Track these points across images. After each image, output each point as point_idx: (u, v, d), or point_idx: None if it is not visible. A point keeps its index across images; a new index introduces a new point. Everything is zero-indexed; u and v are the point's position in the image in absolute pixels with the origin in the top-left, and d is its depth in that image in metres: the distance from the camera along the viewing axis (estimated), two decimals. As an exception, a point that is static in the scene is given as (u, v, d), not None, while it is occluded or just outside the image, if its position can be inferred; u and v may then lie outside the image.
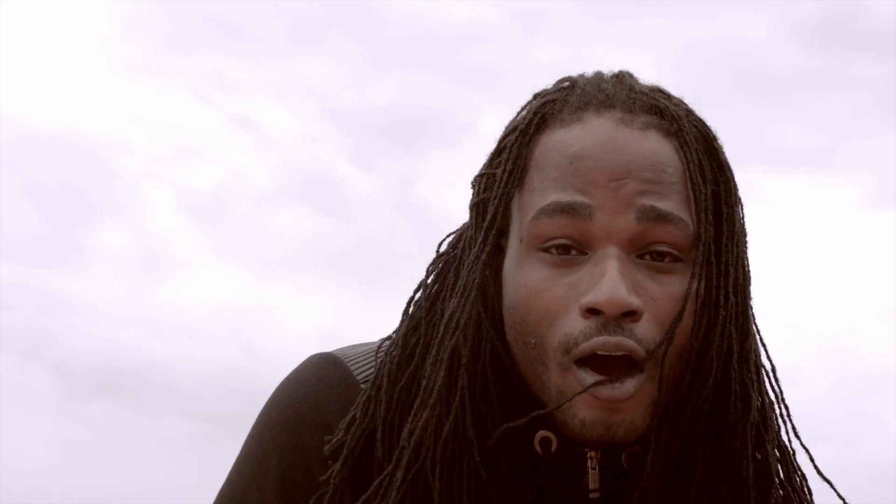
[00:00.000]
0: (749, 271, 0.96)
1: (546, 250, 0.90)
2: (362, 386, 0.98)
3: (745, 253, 0.96)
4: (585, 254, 0.90)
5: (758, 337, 0.98)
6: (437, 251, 1.01)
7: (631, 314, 0.88)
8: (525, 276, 0.91)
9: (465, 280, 0.93)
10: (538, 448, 0.91)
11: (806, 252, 5.71)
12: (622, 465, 0.93)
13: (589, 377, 0.88)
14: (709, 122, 0.98)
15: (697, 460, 0.92)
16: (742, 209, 0.96)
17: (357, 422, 0.95)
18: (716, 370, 0.91)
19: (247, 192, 5.94)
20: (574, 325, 0.88)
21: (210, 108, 5.85)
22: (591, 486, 0.92)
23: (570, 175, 0.90)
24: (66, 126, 5.52)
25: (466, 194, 1.00)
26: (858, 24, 5.55)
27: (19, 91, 5.40)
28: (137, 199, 5.84)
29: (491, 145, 1.00)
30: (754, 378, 0.93)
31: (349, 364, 1.01)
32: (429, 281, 1.00)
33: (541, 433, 0.92)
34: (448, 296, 0.95)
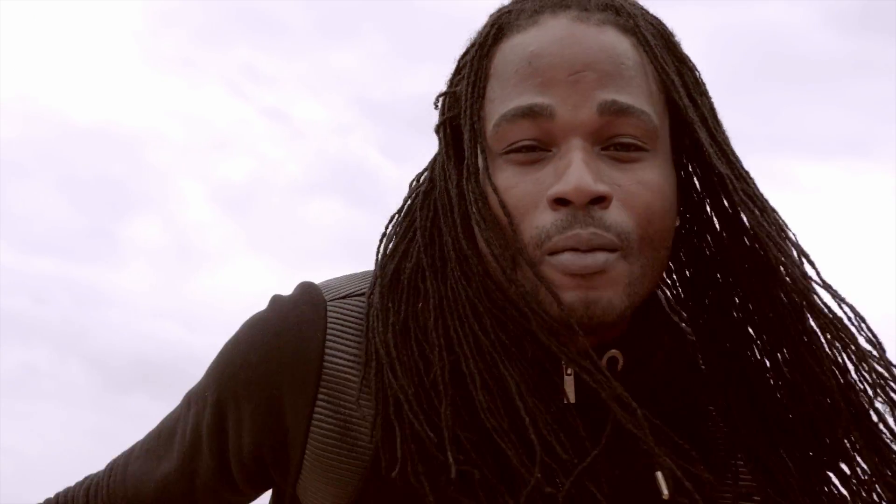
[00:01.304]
0: (738, 158, 0.95)
1: (511, 153, 0.91)
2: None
3: (728, 139, 0.95)
4: (550, 150, 0.90)
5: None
6: (409, 185, 1.01)
7: (599, 200, 0.87)
8: (494, 181, 0.90)
9: (447, 201, 0.94)
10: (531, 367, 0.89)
11: (844, 240, 5.64)
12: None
13: (558, 257, 0.87)
14: (665, 22, 0.98)
15: (670, 364, 0.92)
16: (710, 99, 0.96)
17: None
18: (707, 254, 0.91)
19: (279, 183, 5.95)
20: (544, 218, 0.88)
21: (243, 101, 5.86)
22: (570, 398, 0.90)
23: (529, 76, 0.90)
24: (100, 120, 5.54)
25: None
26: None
27: (55, 86, 5.43)
28: (171, 192, 5.86)
29: None
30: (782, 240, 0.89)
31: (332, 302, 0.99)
32: (402, 213, 1.00)
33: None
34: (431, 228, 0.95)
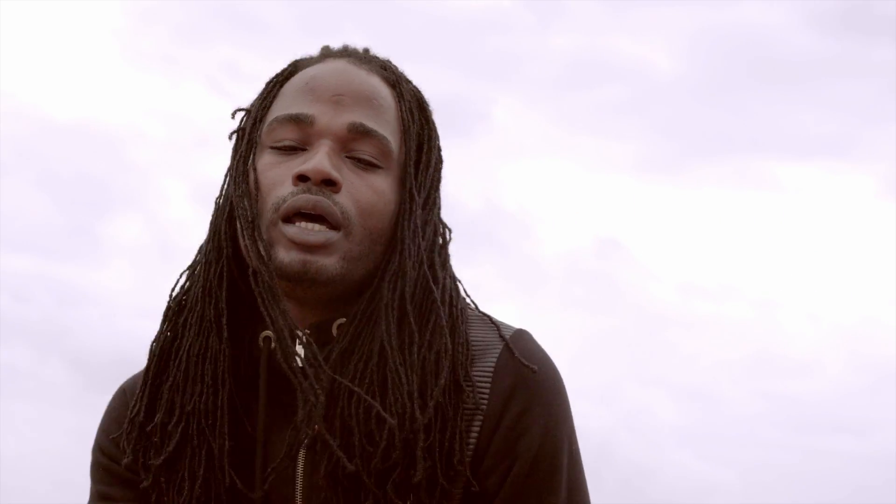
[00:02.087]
0: (439, 194, 1.21)
1: (275, 148, 1.15)
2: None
3: (438, 178, 1.20)
4: (305, 149, 1.14)
5: (441, 235, 1.21)
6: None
7: (331, 184, 1.10)
8: (257, 164, 1.15)
9: (219, 201, 1.22)
10: (261, 343, 1.13)
11: (824, 241, 5.67)
12: (331, 337, 1.12)
13: (290, 227, 1.10)
14: (423, 93, 1.24)
15: (358, 320, 1.13)
16: (440, 163, 1.21)
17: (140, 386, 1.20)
18: (402, 249, 1.13)
19: (262, 183, 5.95)
20: (286, 190, 1.11)
21: (224, 99, 5.86)
22: (298, 361, 1.09)
23: (304, 93, 1.15)
24: (81, 117, 5.53)
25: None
26: (877, 9, 5.50)
27: (35, 83, 5.42)
28: (152, 190, 5.85)
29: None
30: (418, 252, 1.14)
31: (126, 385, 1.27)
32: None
33: (263, 333, 1.13)
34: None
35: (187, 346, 1.14)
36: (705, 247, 5.35)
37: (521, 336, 1.17)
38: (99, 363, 5.24)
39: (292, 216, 1.11)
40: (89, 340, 5.22)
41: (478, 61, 5.56)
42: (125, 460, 1.17)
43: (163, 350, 1.18)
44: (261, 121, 1.18)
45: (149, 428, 1.14)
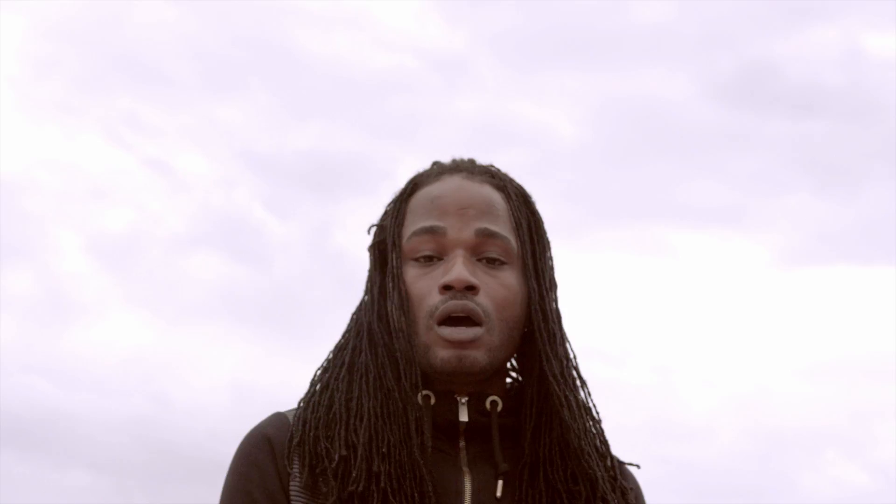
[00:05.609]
0: (556, 284, 1.44)
1: (416, 259, 1.37)
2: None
3: (553, 272, 1.44)
4: (442, 259, 1.36)
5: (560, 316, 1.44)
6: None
7: (471, 288, 1.33)
8: (405, 276, 1.38)
9: (370, 299, 1.41)
10: (420, 401, 1.35)
11: (718, 309, 5.77)
12: (485, 409, 1.37)
13: (445, 329, 1.33)
14: (526, 188, 1.46)
15: (527, 408, 1.38)
16: (549, 245, 1.45)
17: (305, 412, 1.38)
18: (535, 328, 1.38)
19: (160, 236, 5.85)
20: (435, 298, 1.34)
21: (123, 150, 5.77)
22: (462, 418, 1.36)
23: (432, 209, 1.38)
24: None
25: None
26: (773, 84, 5.67)
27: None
28: (46, 241, 5.73)
29: None
30: (558, 338, 1.39)
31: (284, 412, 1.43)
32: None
33: (423, 392, 1.35)
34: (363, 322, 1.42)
35: (366, 404, 1.35)
36: (606, 311, 5.40)
37: None
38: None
39: (444, 320, 1.33)
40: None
41: (383, 121, 5.58)
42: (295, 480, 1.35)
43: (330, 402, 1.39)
44: (398, 235, 1.39)
45: (333, 465, 1.33)
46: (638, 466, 1.45)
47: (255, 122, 5.83)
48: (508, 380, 1.42)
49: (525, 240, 1.39)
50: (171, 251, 5.79)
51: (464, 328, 1.32)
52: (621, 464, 1.44)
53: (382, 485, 1.31)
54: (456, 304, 1.32)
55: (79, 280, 5.66)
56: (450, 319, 1.33)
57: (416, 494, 1.32)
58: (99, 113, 5.75)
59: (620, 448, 1.46)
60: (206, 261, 5.74)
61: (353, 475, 1.31)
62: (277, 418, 1.41)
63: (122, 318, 5.64)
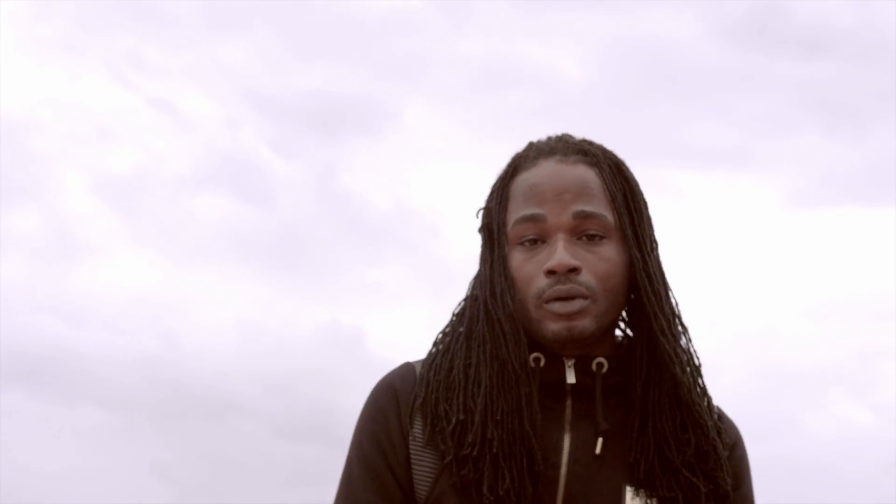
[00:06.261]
0: (656, 242, 1.54)
1: (522, 244, 1.48)
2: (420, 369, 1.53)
3: (652, 231, 1.54)
4: (545, 242, 1.47)
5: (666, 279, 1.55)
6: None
7: (574, 270, 1.44)
8: (512, 260, 1.49)
9: (484, 276, 1.52)
10: (532, 363, 1.46)
11: (726, 251, 5.77)
12: (590, 369, 1.47)
13: (554, 304, 1.44)
14: (619, 156, 1.55)
15: (637, 363, 1.49)
16: (645, 204, 1.54)
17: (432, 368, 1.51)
18: (641, 292, 1.49)
19: (165, 176, 5.85)
20: (541, 282, 1.45)
21: (127, 90, 5.75)
22: (569, 380, 1.47)
23: (532, 196, 1.49)
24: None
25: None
26: (781, 25, 5.62)
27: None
28: (52, 181, 5.73)
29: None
30: (663, 296, 1.50)
31: (410, 362, 1.56)
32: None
33: (534, 354, 1.47)
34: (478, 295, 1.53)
35: (485, 368, 1.47)
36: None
37: None
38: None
39: (552, 300, 1.44)
40: (-18, 334, 5.08)
41: (388, 62, 5.55)
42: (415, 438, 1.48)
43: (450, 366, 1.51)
44: (503, 222, 1.51)
45: (453, 423, 1.45)
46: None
47: (259, 62, 5.80)
48: (619, 333, 1.53)
49: (622, 212, 1.49)
50: (177, 191, 5.79)
51: (570, 301, 1.43)
52: (721, 414, 1.55)
53: (495, 450, 1.43)
54: (561, 288, 1.43)
55: (85, 220, 5.68)
56: (558, 300, 1.44)
57: (524, 460, 1.43)
58: (102, 52, 5.73)
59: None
60: (211, 201, 5.75)
61: (469, 439, 1.44)
62: (406, 370, 1.54)
63: (129, 257, 5.66)
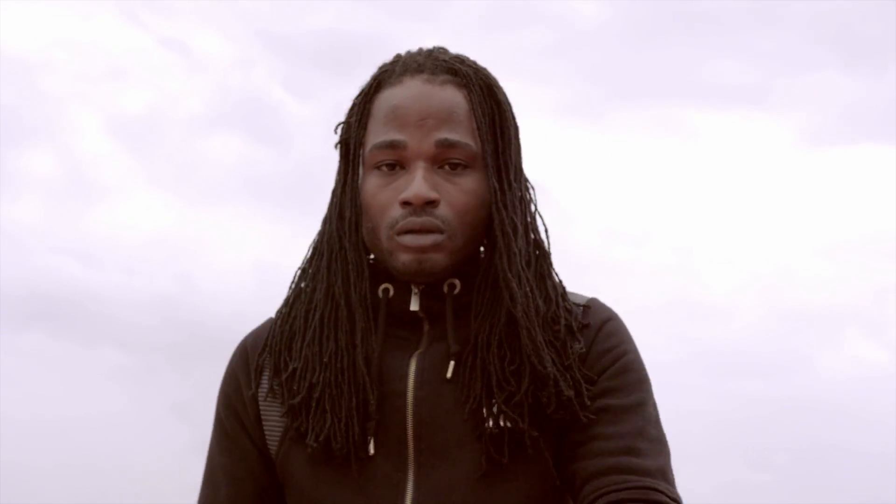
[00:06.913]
0: (521, 171, 1.47)
1: (379, 168, 1.40)
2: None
3: (520, 157, 1.47)
4: (404, 168, 1.39)
5: (538, 213, 1.48)
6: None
7: (431, 203, 1.37)
8: (366, 186, 1.42)
9: (335, 200, 1.46)
10: (380, 294, 1.43)
11: (742, 190, 5.74)
12: (442, 293, 1.41)
13: (405, 237, 1.37)
14: (493, 75, 1.47)
15: (482, 288, 1.41)
16: (514, 130, 1.46)
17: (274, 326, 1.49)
18: (496, 234, 1.40)
19: (179, 117, 5.83)
20: (395, 212, 1.38)
21: (139, 30, 5.72)
22: (412, 307, 1.42)
23: (393, 119, 1.40)
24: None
25: None
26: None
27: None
28: (65, 122, 5.71)
29: None
30: (518, 231, 1.42)
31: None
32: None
33: (383, 285, 1.43)
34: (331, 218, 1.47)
35: (325, 301, 1.42)
36: (626, 193, 5.38)
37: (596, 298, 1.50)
38: (12, 299, 5.14)
39: (405, 232, 1.37)
40: (1, 276, 5.11)
41: (400, 0, 5.49)
42: (251, 392, 1.46)
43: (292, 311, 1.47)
44: (361, 142, 1.43)
45: (288, 372, 1.42)
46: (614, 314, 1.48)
47: (272, 1, 5.75)
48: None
49: (486, 139, 1.41)
50: (191, 132, 5.78)
51: (424, 235, 1.36)
52: (587, 307, 1.46)
53: (317, 394, 1.38)
54: (415, 220, 1.36)
55: (99, 161, 5.67)
56: (411, 232, 1.37)
57: (354, 401, 1.37)
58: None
59: (640, 328, 1.47)
60: (225, 142, 5.73)
61: (295, 387, 1.41)
62: (264, 325, 1.51)
63: (143, 198, 5.66)
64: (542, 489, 1.39)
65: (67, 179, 5.60)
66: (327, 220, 1.47)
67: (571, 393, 1.37)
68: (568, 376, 1.38)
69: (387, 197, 1.39)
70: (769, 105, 5.85)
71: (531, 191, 1.48)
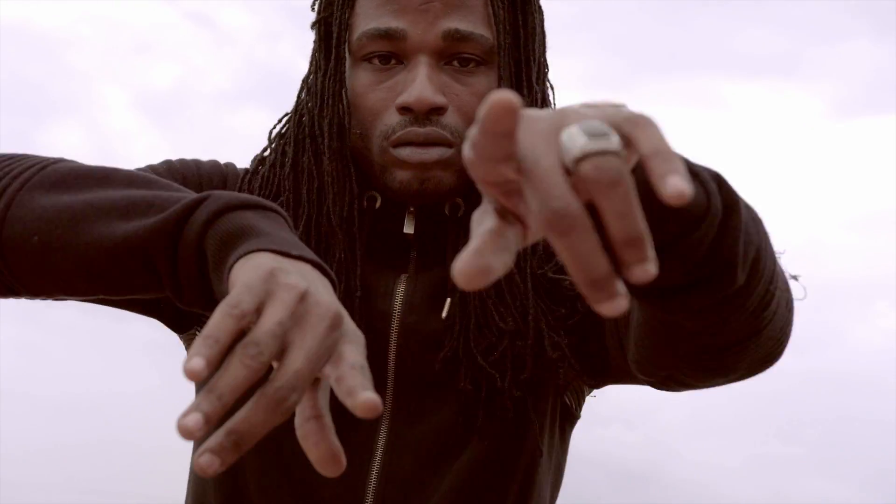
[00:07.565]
0: (546, 64, 1.18)
1: (369, 60, 1.12)
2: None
3: (543, 51, 1.18)
4: (402, 63, 1.11)
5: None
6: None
7: (437, 110, 1.09)
8: (353, 82, 1.13)
9: (319, 89, 1.16)
10: (364, 203, 1.15)
11: (770, 160, 5.70)
12: (441, 215, 1.14)
13: (403, 150, 1.10)
14: None
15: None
16: (539, 17, 1.17)
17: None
18: None
19: (206, 91, 5.84)
20: (392, 119, 1.10)
21: (166, 4, 5.72)
22: (406, 230, 1.14)
23: (388, 1, 1.10)
24: (16, 17, 5.37)
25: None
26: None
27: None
28: (93, 96, 5.73)
29: None
30: None
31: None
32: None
33: (368, 192, 1.14)
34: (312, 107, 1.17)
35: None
36: (653, 164, 5.34)
37: None
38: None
39: (404, 144, 1.11)
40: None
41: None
42: None
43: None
44: (347, 24, 1.14)
45: None
46: None
47: (298, -26, 5.74)
48: None
49: (504, 29, 1.13)
50: (218, 106, 5.78)
51: (427, 148, 1.10)
52: None
53: None
54: (417, 131, 1.09)
55: (127, 135, 5.69)
56: (412, 145, 1.11)
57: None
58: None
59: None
60: (252, 116, 5.74)
61: None
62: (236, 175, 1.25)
63: (171, 174, 5.66)
64: (524, 456, 1.15)
65: (95, 154, 5.61)
66: (297, 116, 1.18)
67: (556, 354, 1.13)
68: (558, 333, 1.14)
69: (380, 98, 1.11)
70: (799, 75, 5.80)
71: (553, 94, 1.20)
